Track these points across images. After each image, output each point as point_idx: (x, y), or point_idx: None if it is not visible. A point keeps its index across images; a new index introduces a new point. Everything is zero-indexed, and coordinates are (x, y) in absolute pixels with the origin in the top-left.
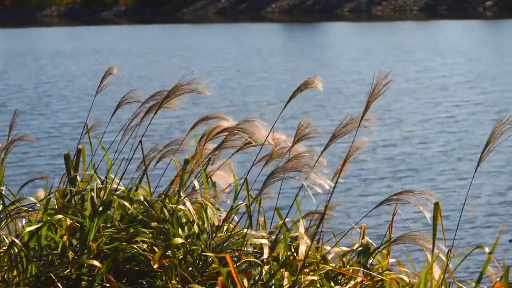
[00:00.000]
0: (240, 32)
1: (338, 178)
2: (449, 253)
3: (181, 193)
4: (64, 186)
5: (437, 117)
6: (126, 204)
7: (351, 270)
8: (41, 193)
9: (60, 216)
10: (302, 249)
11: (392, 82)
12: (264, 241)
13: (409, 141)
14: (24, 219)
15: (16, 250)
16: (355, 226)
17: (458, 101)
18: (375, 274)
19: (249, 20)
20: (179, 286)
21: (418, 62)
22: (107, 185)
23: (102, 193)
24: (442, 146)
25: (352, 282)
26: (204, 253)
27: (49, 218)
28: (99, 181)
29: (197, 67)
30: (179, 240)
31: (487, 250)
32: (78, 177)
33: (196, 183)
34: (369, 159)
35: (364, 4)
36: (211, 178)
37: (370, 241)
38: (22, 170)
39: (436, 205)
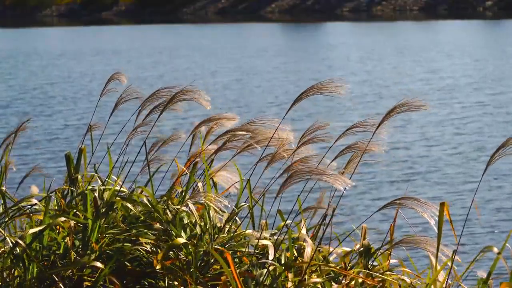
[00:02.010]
0: (240, 32)
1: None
2: (453, 255)
3: (186, 195)
4: (65, 186)
5: (445, 119)
6: (129, 206)
7: (352, 271)
8: (35, 189)
9: (63, 218)
10: (308, 251)
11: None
12: (268, 242)
13: (418, 143)
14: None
15: (18, 251)
16: (359, 228)
17: (466, 102)
18: (376, 274)
19: (249, 20)
20: (182, 287)
21: (423, 63)
22: (108, 186)
23: (105, 195)
24: (453, 149)
25: (353, 283)
26: (206, 251)
27: (52, 220)
28: (99, 181)
29: (200, 66)
30: (182, 241)
31: (495, 250)
32: (79, 177)
33: (200, 184)
34: (377, 161)
35: (364, 4)
36: (213, 179)
37: (383, 239)
38: (24, 172)
39: (442, 205)
